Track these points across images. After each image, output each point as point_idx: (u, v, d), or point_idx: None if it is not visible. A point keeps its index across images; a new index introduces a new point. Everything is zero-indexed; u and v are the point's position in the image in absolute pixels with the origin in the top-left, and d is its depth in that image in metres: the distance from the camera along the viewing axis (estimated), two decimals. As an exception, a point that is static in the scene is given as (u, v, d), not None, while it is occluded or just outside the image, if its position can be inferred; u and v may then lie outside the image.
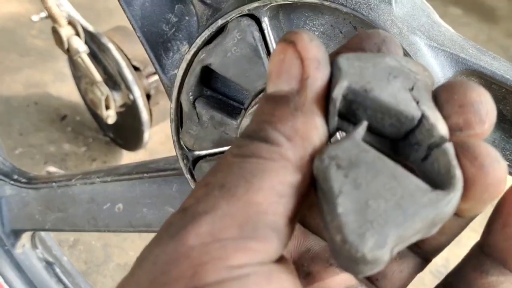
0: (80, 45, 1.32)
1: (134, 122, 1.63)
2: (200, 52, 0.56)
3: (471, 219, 0.31)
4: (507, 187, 0.30)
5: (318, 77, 0.28)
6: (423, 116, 0.28)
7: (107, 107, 1.54)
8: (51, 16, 1.28)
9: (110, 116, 1.55)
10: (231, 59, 0.54)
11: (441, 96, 0.29)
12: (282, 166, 0.26)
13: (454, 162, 0.27)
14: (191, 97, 0.58)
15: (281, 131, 0.27)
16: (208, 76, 0.59)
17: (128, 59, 1.53)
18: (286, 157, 0.27)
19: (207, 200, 0.26)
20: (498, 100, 0.51)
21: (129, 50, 1.56)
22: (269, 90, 0.29)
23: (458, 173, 0.27)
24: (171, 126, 0.62)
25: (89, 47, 1.46)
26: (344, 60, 0.29)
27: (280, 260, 0.27)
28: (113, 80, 1.54)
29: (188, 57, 0.56)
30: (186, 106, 0.59)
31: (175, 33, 0.63)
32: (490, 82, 0.50)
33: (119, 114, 1.62)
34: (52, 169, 1.74)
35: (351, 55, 0.29)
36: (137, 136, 1.68)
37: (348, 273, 0.27)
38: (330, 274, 0.34)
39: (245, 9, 0.52)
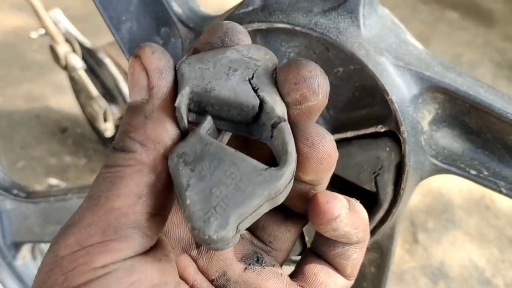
0: (77, 62, 1.36)
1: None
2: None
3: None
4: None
5: (162, 85, 0.32)
6: (262, 102, 0.32)
7: (105, 120, 1.57)
8: (48, 34, 1.32)
9: (109, 129, 1.58)
10: (212, 80, 0.57)
11: (280, 77, 0.33)
12: (137, 170, 0.30)
13: (287, 138, 0.31)
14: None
15: (135, 138, 0.31)
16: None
17: (125, 73, 1.57)
18: (141, 161, 0.31)
19: (77, 212, 0.31)
20: (463, 114, 0.54)
21: (125, 64, 1.59)
22: (129, 101, 0.33)
23: (290, 148, 0.31)
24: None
25: (87, 62, 1.50)
26: (185, 66, 0.32)
27: (152, 249, 0.31)
28: (111, 94, 1.58)
29: (172, 78, 0.60)
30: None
31: (162, 54, 0.67)
32: (454, 97, 0.53)
33: (117, 127, 1.65)
34: (54, 181, 1.78)
35: (193, 59, 0.33)
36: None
37: (213, 251, 0.31)
38: None
39: (224, 33, 0.55)
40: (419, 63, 0.54)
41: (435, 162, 0.56)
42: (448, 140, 0.57)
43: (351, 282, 0.39)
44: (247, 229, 0.39)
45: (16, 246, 0.98)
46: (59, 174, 1.85)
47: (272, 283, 0.36)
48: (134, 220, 0.30)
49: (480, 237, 1.80)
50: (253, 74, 0.33)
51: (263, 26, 0.53)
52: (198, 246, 0.38)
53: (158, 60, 0.32)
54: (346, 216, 0.34)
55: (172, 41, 0.66)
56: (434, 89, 0.53)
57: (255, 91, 0.32)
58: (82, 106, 1.70)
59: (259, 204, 0.30)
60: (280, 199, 0.31)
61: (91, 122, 1.76)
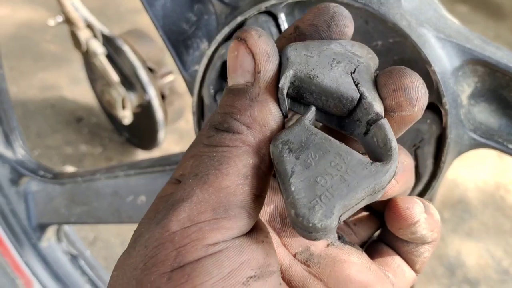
0: (98, 47, 1.36)
1: (149, 122, 1.66)
2: (220, 48, 0.59)
3: None
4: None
5: (269, 68, 0.32)
6: (361, 96, 0.32)
7: (124, 108, 1.57)
8: (69, 20, 1.32)
9: (127, 117, 1.58)
10: (250, 54, 0.57)
11: (380, 80, 0.33)
12: (244, 151, 0.31)
13: (390, 135, 0.31)
14: (212, 91, 0.61)
15: (241, 120, 0.32)
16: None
17: (143, 60, 1.57)
18: (247, 142, 0.31)
19: (184, 188, 0.31)
20: (502, 87, 0.54)
21: (144, 52, 1.60)
22: (228, 83, 0.34)
23: (393, 145, 0.31)
24: (193, 118, 0.65)
25: (105, 49, 1.50)
26: (291, 50, 0.33)
27: (253, 229, 0.32)
28: (129, 82, 1.58)
29: (209, 52, 0.60)
30: (207, 99, 0.62)
31: (195, 31, 0.67)
32: (494, 70, 0.53)
33: (134, 114, 1.65)
34: (70, 169, 1.78)
35: (299, 45, 0.33)
36: (152, 135, 1.72)
37: (307, 240, 0.32)
38: None
39: (263, 6, 0.55)
40: (459, 36, 0.54)
41: (474, 136, 0.56)
42: (485, 115, 0.57)
43: (416, 279, 0.40)
44: None
45: (42, 228, 0.98)
46: (75, 163, 1.86)
47: (355, 258, 0.37)
48: (242, 200, 0.30)
49: (496, 228, 1.79)
50: (355, 69, 0.33)
51: (304, -3, 0.53)
52: (282, 219, 0.38)
53: (265, 44, 0.32)
54: (424, 220, 0.36)
55: (205, 18, 0.66)
56: (475, 61, 0.53)
57: (356, 85, 0.32)
58: (99, 95, 1.70)
59: (362, 198, 0.30)
60: (379, 196, 0.32)
61: (108, 110, 1.76)
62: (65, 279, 0.99)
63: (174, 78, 1.66)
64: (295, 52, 0.33)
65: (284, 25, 0.56)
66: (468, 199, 1.89)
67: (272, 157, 0.31)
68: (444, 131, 0.53)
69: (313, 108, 0.33)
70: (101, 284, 1.02)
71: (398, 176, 0.35)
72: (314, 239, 0.30)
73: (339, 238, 0.39)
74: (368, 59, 0.34)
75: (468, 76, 0.54)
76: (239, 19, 0.57)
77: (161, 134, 1.70)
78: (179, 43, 0.67)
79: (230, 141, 0.31)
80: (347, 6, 0.52)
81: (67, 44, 1.45)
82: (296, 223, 0.29)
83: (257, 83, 0.32)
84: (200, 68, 0.61)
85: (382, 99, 0.32)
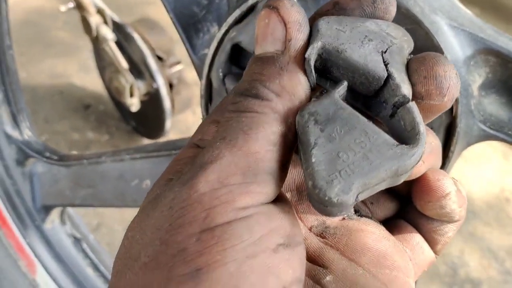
0: (108, 33, 1.36)
1: (156, 111, 1.66)
2: (231, 31, 0.59)
3: None
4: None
5: (300, 38, 0.32)
6: (389, 77, 0.31)
7: (131, 95, 1.58)
8: (80, 5, 1.32)
9: (134, 104, 1.59)
10: (260, 37, 0.57)
11: (412, 65, 0.32)
12: (273, 118, 0.31)
13: (418, 119, 0.31)
14: (220, 74, 0.61)
15: (270, 88, 0.31)
16: (237, 55, 0.62)
17: (153, 49, 1.57)
18: (276, 110, 0.31)
19: (212, 150, 0.30)
20: (514, 79, 0.54)
21: (153, 41, 1.60)
22: (256, 52, 0.33)
23: (422, 129, 0.30)
24: (201, 102, 0.65)
25: (115, 36, 1.50)
26: (323, 23, 0.33)
27: (278, 199, 0.31)
28: (137, 69, 1.58)
29: (219, 35, 0.59)
30: (215, 83, 0.62)
31: (205, 15, 0.67)
32: (506, 61, 0.52)
33: (142, 103, 1.66)
34: (76, 155, 1.79)
35: (332, 19, 0.33)
36: (159, 124, 1.72)
37: (322, 215, 0.31)
38: None
39: (275, -11, 0.54)
40: (472, 25, 0.53)
41: (484, 127, 0.55)
42: (495, 107, 0.56)
43: (434, 260, 0.39)
44: None
45: (46, 209, 0.98)
46: (82, 149, 1.86)
47: (373, 228, 0.37)
48: (270, 166, 0.30)
49: (500, 228, 1.78)
50: (387, 49, 0.32)
51: (317, -20, 0.52)
52: (299, 192, 0.38)
53: (298, 13, 0.32)
54: (455, 193, 0.35)
55: (216, 1, 0.66)
56: (487, 51, 0.52)
57: (385, 64, 0.32)
58: (108, 82, 1.71)
59: (383, 179, 0.29)
60: (401, 179, 0.31)
61: (116, 98, 1.76)
62: (67, 262, 1.00)
63: (182, 68, 1.66)
64: (326, 25, 0.33)
65: (296, 9, 0.55)
66: (473, 199, 1.88)
67: (297, 126, 0.31)
68: (454, 120, 0.53)
69: (345, 83, 0.33)
70: (103, 268, 1.03)
71: (425, 156, 0.34)
72: (329, 214, 0.29)
73: (355, 211, 0.38)
74: (403, 41, 0.33)
75: (480, 66, 0.53)
76: (250, 1, 0.56)
77: (168, 123, 1.70)
78: (190, 26, 0.67)
79: (258, 107, 0.31)
80: (360, -10, 0.52)
81: (78, 31, 1.46)
82: (313, 195, 0.29)
83: (288, 51, 0.32)
84: (210, 51, 0.61)
85: (412, 84, 0.32)
